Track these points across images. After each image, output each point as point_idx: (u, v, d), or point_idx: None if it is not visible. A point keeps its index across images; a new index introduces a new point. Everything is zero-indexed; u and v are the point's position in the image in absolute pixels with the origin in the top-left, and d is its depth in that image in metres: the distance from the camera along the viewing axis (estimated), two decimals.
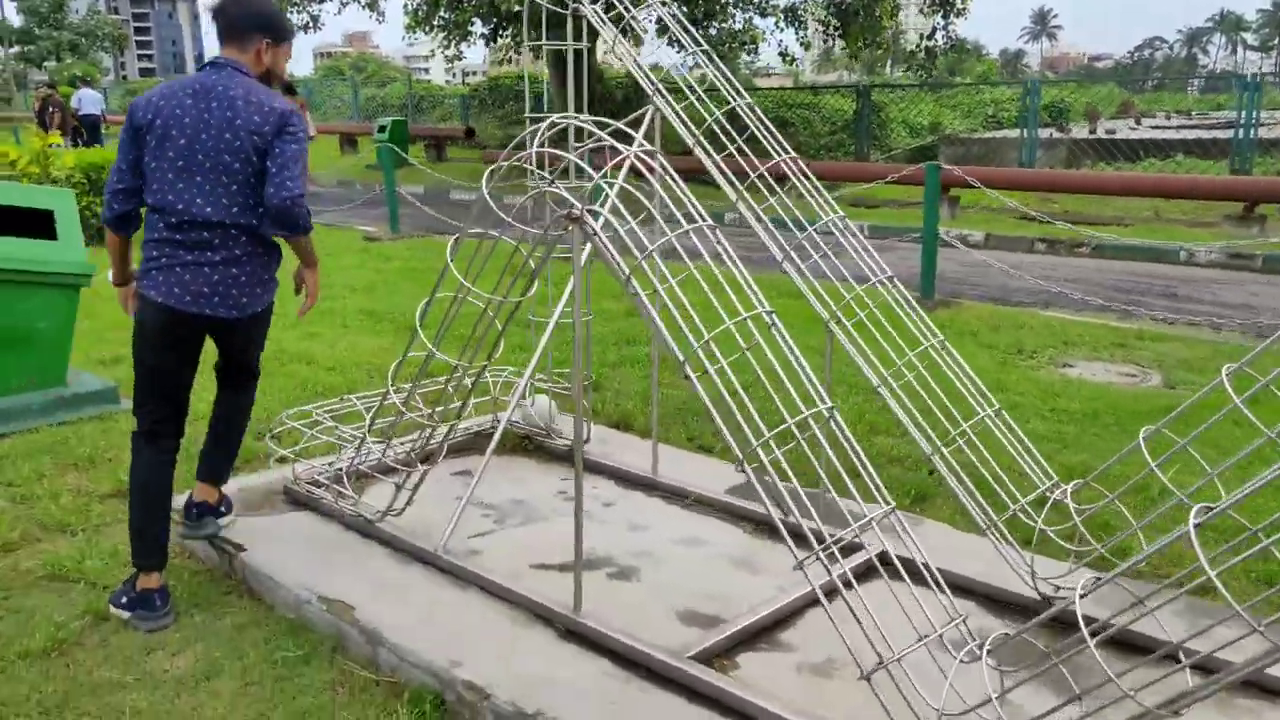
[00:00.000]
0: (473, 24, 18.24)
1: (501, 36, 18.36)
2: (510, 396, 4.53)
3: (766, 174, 3.39)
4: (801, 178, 3.40)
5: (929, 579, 2.48)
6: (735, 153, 3.41)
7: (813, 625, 2.95)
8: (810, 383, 2.52)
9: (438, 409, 3.78)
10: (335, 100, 30.62)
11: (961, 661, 2.37)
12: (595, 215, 2.67)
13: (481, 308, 3.12)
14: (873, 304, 3.32)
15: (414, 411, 3.39)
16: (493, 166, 2.84)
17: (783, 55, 18.91)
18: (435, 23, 18.27)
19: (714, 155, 3.52)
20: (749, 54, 19.02)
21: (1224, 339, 6.70)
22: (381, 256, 10.08)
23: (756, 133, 3.46)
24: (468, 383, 3.36)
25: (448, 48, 18.97)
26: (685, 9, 16.26)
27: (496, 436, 3.42)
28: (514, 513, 3.75)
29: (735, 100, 3.52)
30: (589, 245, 2.90)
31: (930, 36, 18.18)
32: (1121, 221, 11.75)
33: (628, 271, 2.51)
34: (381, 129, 19.62)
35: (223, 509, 3.61)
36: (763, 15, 17.49)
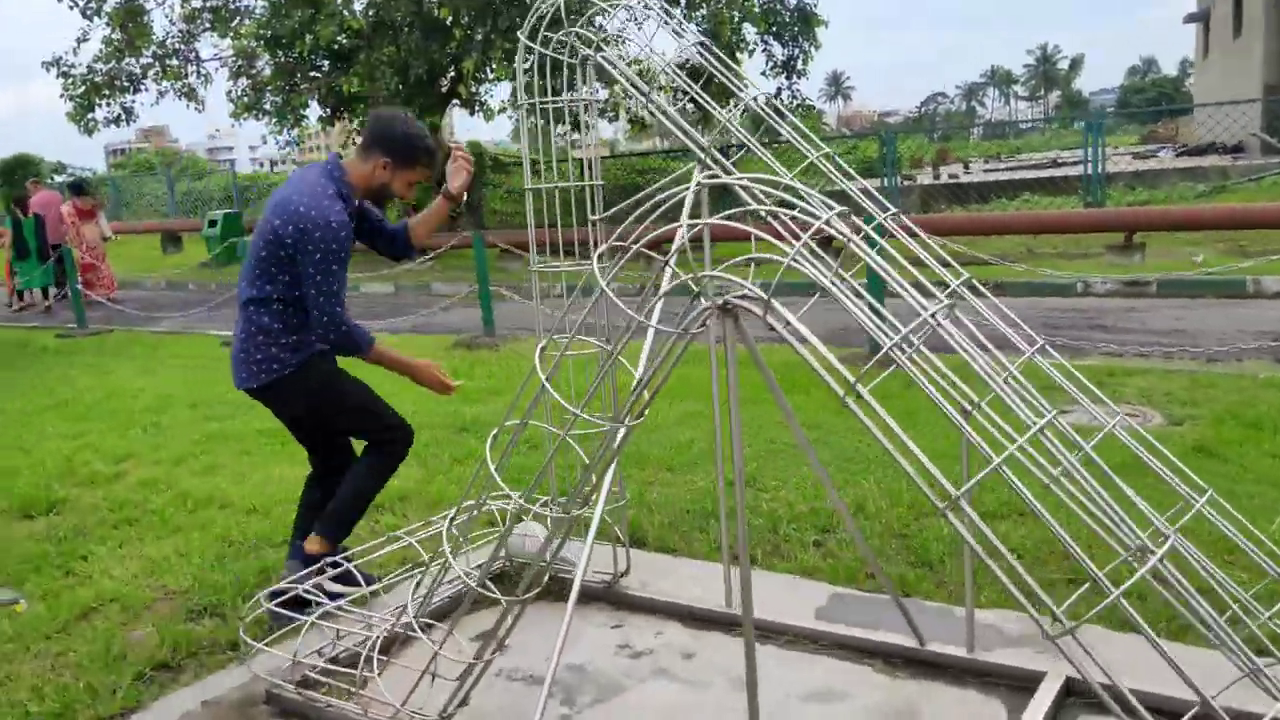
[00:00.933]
0: (307, 107, 17.21)
1: (340, 119, 17.38)
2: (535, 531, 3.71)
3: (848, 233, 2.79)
4: (909, 237, 2.81)
5: None
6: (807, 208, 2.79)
7: None
8: (1117, 514, 1.89)
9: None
10: (148, 197, 28.52)
11: None
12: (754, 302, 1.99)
13: (555, 432, 2.37)
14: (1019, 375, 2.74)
15: (465, 568, 2.55)
16: (605, 247, 2.11)
17: (632, 121, 18.73)
18: (266, 107, 17.12)
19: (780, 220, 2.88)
20: (609, 121, 18.76)
21: (1183, 368, 6.54)
22: None
23: (847, 188, 2.87)
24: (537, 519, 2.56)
25: (279, 133, 17.82)
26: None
27: (575, 592, 2.60)
28: (580, 687, 2.92)
29: (811, 153, 2.93)
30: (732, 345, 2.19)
31: (776, 96, 18.39)
32: (1006, 259, 11.88)
33: (853, 381, 1.82)
34: (212, 224, 18.16)
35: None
36: (610, 85, 17.26)
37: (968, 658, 2.79)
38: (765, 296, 1.86)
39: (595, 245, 3.47)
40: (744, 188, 2.40)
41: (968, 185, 16.90)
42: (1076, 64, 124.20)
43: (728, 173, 3.05)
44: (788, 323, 1.86)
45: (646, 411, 2.16)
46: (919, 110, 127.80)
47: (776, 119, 2.92)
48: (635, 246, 2.05)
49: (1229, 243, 11.78)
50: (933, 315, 1.92)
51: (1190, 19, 29.62)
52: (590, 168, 3.52)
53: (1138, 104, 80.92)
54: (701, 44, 3.22)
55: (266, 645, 2.99)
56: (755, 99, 3.00)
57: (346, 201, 3.26)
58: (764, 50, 18.32)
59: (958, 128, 69.12)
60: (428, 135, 3.41)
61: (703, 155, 3.04)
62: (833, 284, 1.84)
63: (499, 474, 2.32)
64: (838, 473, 4.64)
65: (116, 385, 8.05)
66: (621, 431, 2.16)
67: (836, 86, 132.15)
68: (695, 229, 2.16)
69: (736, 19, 16.88)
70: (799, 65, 18.58)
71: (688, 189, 2.02)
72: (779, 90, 18.58)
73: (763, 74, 19.00)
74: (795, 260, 1.84)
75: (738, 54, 17.01)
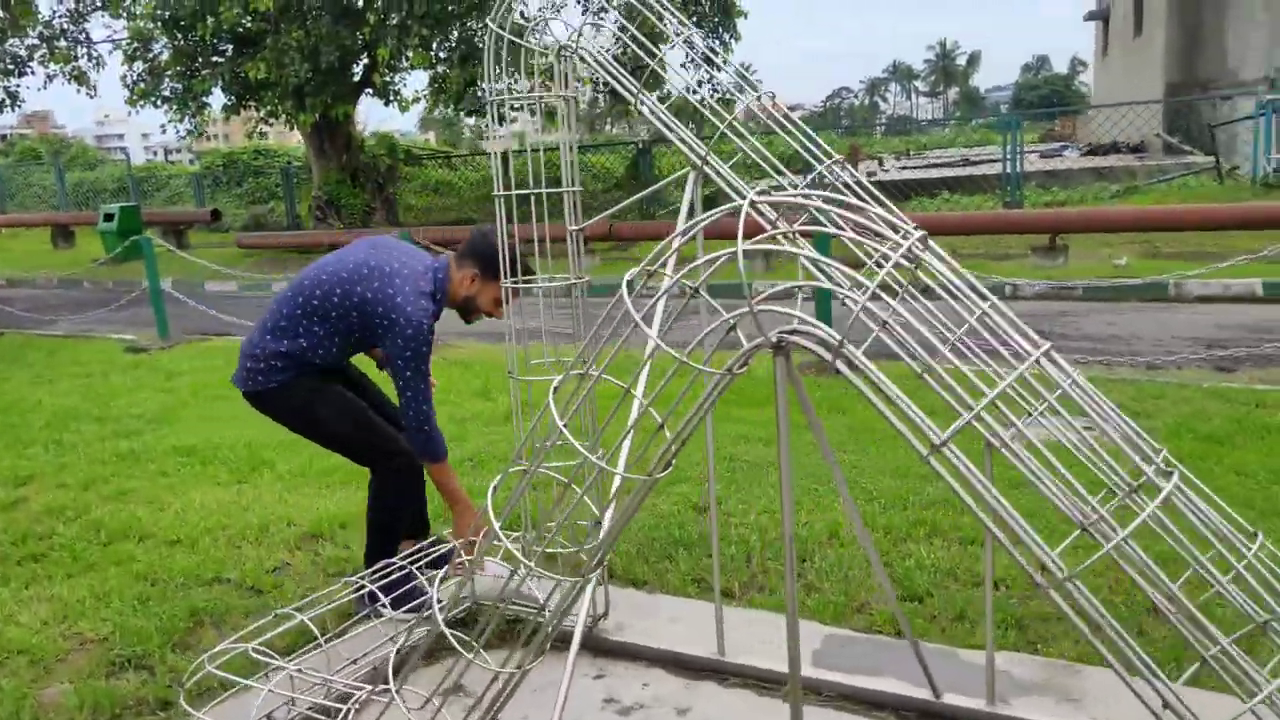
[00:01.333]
0: (210, 94, 16.39)
1: (246, 108, 16.60)
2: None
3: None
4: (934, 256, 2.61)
5: None
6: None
7: None
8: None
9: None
10: (35, 188, 26.97)
11: None
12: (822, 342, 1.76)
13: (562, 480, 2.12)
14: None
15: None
16: (639, 270, 1.84)
17: (549, 114, 18.33)
18: (164, 93, 16.24)
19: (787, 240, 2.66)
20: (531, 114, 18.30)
21: (1127, 376, 6.57)
22: (161, 372, 8.36)
23: (862, 204, 2.65)
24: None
25: (179, 120, 16.93)
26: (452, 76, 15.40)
27: (573, 655, 2.35)
28: None
29: (820, 162, 2.71)
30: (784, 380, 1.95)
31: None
32: None
33: (940, 441, 1.60)
34: (108, 218, 17.15)
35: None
36: (530, 76, 16.93)
37: (988, 711, 2.62)
38: (838, 339, 1.63)
39: (574, 256, 3.20)
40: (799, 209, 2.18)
41: (888, 184, 17.00)
42: (974, 60, 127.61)
43: (729, 184, 2.82)
44: (863, 372, 1.63)
45: (675, 461, 1.91)
46: (824, 104, 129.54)
47: (782, 122, 2.70)
48: (675, 278, 1.80)
49: (1144, 244, 12.06)
50: (1024, 369, 1.71)
51: (1091, 16, 30.45)
52: (566, 169, 3.24)
53: (1031, 101, 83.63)
54: (683, 38, 2.98)
55: (207, 714, 2.65)
56: (761, 97, 2.77)
57: (436, 304, 3.27)
58: (684, 41, 18.13)
59: (863, 123, 70.30)
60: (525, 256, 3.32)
61: (699, 163, 2.80)
62: (894, 328, 1.62)
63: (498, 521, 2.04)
64: (805, 495, 4.46)
65: (11, 397, 7.44)
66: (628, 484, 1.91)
67: (743, 79, 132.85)
68: (689, 237, 1.90)
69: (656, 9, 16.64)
70: (718, 57, 18.49)
71: (730, 210, 1.77)
72: (700, 82, 18.42)
73: (682, 65, 18.84)
74: (866, 302, 1.62)
75: (658, 45, 16.85)
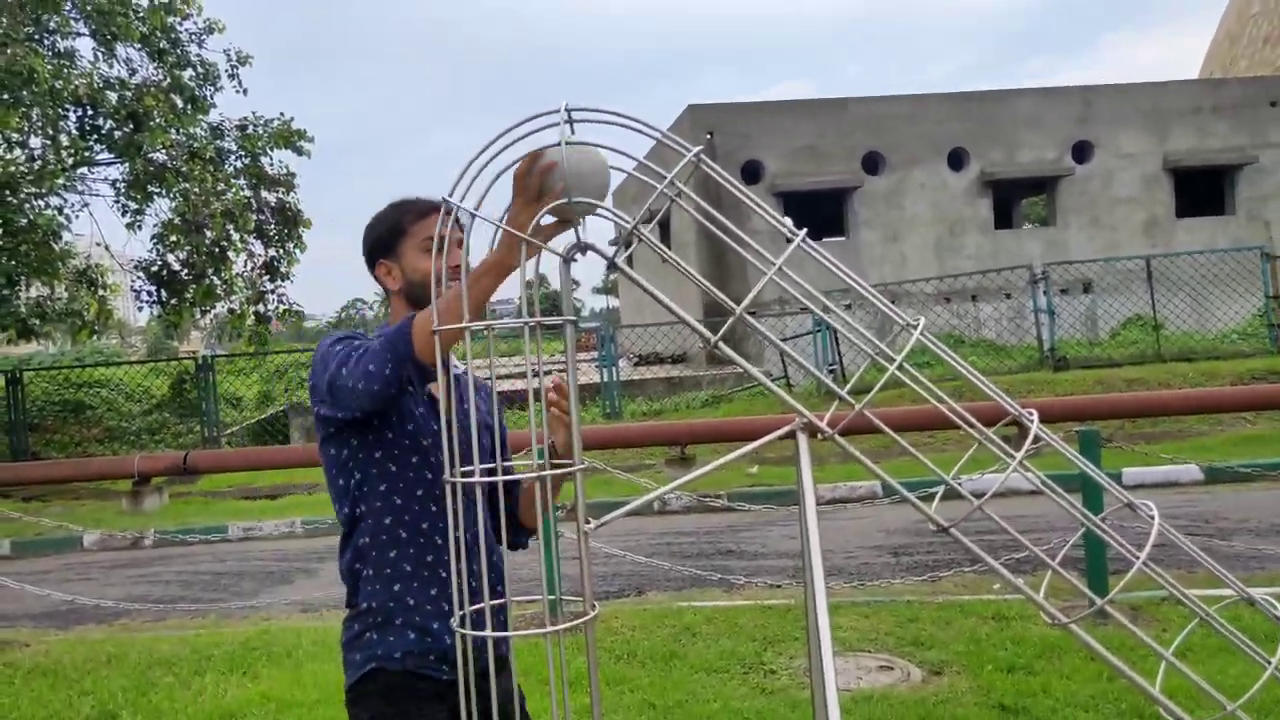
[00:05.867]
0: None
1: None
2: None
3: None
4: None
5: None
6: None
7: None
8: None
9: None
10: None
11: None
12: None
13: None
14: None
15: None
16: None
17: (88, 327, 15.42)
18: None
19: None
20: (94, 329, 15.20)
21: (860, 598, 6.33)
22: None
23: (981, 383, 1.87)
24: None
25: None
26: None
27: None
28: None
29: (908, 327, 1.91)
30: None
31: (257, 301, 16.50)
32: None
33: None
34: None
35: None
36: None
37: None
38: None
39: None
40: None
41: None
42: None
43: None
44: None
45: None
46: (339, 315, 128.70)
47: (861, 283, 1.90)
48: None
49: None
50: None
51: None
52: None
53: (541, 312, 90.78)
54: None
55: None
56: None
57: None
58: (246, 250, 16.52)
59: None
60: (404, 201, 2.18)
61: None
62: None
63: None
64: None
65: None
66: None
67: (253, 288, 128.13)
68: None
69: (218, 212, 14.98)
70: (282, 268, 17.03)
71: None
72: (261, 294, 16.75)
73: (239, 276, 17.11)
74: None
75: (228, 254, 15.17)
